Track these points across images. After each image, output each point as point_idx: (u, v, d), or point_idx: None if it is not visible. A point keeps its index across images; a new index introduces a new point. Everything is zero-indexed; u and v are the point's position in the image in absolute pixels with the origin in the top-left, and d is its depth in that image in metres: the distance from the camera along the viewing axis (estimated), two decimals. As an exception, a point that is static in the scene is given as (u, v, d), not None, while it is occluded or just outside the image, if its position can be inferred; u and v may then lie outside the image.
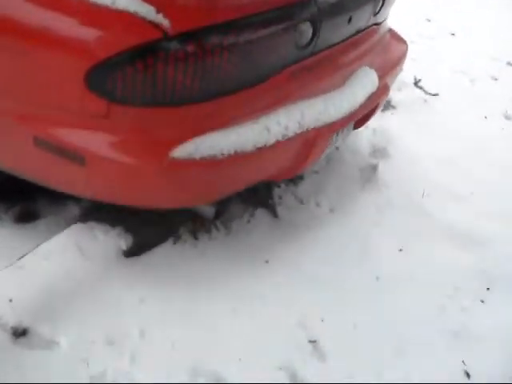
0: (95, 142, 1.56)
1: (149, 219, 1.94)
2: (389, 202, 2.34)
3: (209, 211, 2.01)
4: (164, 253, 1.94)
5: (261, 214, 2.21)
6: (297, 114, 1.77)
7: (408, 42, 2.53)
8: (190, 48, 1.45)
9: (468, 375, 1.69)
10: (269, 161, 1.76)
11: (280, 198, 2.30)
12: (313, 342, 1.71)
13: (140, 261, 1.88)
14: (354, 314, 1.81)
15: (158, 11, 1.42)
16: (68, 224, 2.06)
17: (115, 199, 1.68)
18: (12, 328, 1.56)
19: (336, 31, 1.88)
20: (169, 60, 1.44)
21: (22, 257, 1.79)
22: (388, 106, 3.09)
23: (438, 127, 2.97)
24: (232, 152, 1.61)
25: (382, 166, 2.53)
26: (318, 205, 2.30)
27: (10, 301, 1.62)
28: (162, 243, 1.97)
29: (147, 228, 1.95)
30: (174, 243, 2.00)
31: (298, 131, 1.76)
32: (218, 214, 2.04)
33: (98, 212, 1.96)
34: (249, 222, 2.16)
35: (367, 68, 2.10)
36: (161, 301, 1.73)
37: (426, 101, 3.22)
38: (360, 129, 2.60)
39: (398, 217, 2.26)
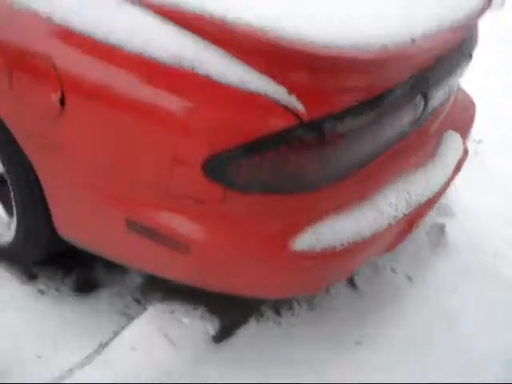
0: (205, 230, 1.43)
1: (232, 297, 1.80)
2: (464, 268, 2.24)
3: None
4: (249, 334, 1.80)
5: (339, 285, 2.09)
6: (404, 192, 1.66)
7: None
8: (324, 135, 1.33)
9: None
10: (379, 244, 1.64)
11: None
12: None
13: (229, 345, 1.74)
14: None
15: (290, 93, 1.29)
16: (132, 295, 1.92)
17: (222, 288, 1.54)
18: None
19: (438, 101, 1.79)
20: (302, 148, 1.31)
21: (104, 346, 1.63)
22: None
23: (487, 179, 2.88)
24: (351, 241, 1.48)
25: (450, 227, 2.43)
26: (393, 271, 2.19)
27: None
28: (247, 323, 1.83)
29: (232, 307, 1.81)
30: (258, 321, 1.86)
31: (407, 211, 1.65)
32: None
33: (176, 290, 1.81)
34: (329, 293, 2.03)
35: (452, 132, 2.01)
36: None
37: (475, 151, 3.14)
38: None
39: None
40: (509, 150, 3.17)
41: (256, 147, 1.29)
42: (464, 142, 2.09)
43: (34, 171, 1.61)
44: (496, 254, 2.34)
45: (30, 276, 1.95)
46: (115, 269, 1.97)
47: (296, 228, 1.43)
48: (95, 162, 1.48)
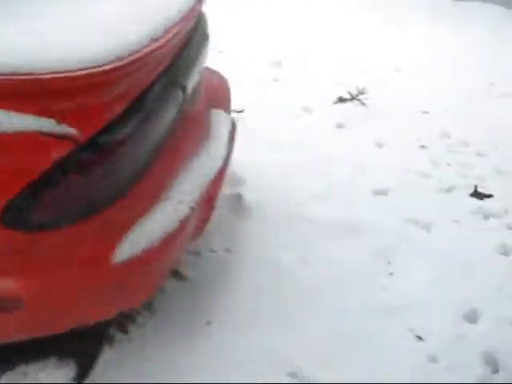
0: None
1: (79, 335, 1.80)
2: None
3: None
4: (108, 362, 1.82)
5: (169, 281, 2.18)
6: (194, 176, 1.82)
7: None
8: (103, 149, 1.41)
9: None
10: (190, 229, 1.78)
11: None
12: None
13: (94, 379, 1.75)
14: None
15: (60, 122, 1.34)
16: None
17: (68, 325, 1.54)
18: None
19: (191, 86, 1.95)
20: (89, 167, 1.38)
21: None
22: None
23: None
24: (164, 235, 1.59)
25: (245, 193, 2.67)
26: (212, 251, 2.36)
27: None
28: (101, 353, 1.84)
29: (80, 344, 1.80)
30: (112, 347, 1.88)
31: (202, 191, 1.81)
32: None
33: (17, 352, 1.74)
34: (163, 293, 2.12)
35: (216, 110, 2.22)
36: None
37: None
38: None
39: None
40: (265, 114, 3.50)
41: (46, 182, 1.32)
42: (229, 115, 2.30)
43: None
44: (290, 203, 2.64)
45: None
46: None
47: (111, 243, 1.49)
48: None
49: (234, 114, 2.96)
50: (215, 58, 2.55)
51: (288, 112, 3.58)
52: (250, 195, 2.68)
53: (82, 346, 1.78)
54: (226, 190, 2.57)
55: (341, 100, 3.80)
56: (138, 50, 1.43)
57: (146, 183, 1.62)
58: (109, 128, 1.42)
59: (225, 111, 2.28)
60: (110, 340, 1.90)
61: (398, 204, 2.76)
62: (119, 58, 1.38)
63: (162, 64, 1.66)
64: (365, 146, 3.27)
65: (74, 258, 1.44)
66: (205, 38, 2.11)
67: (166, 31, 1.57)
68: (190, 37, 1.93)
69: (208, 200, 1.88)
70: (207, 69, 2.54)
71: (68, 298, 1.48)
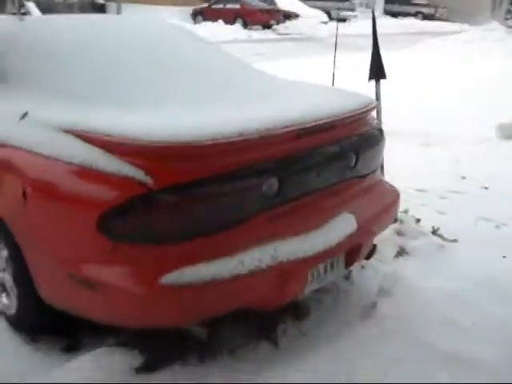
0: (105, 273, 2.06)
1: (159, 344, 2.33)
2: (383, 334, 2.56)
3: (201, 333, 2.35)
4: (170, 373, 2.29)
5: (264, 345, 2.52)
6: (270, 249, 2.19)
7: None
8: (173, 199, 1.97)
9: None
10: (245, 288, 2.14)
11: (284, 331, 2.61)
12: None
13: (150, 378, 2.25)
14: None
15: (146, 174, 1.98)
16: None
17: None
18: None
19: (304, 184, 2.34)
20: (154, 208, 1.96)
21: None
22: (402, 252, 3.39)
23: (449, 268, 3.20)
24: (209, 279, 2.02)
25: (382, 303, 2.78)
26: (317, 336, 2.58)
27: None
28: (171, 365, 2.32)
29: (157, 350, 2.33)
30: (182, 366, 2.35)
31: (271, 263, 2.16)
32: (211, 338, 2.36)
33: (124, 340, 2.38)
34: (253, 350, 2.47)
35: (345, 213, 2.50)
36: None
37: (442, 246, 3.48)
38: (366, 272, 2.96)
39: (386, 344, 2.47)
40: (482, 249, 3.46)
41: (124, 209, 1.97)
42: (364, 225, 2.55)
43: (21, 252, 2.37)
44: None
45: (32, 339, 2.60)
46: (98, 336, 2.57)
47: (168, 268, 2.01)
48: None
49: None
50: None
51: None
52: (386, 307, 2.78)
53: (159, 353, 2.31)
54: (368, 298, 2.78)
55: None
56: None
57: (215, 239, 2.10)
58: (181, 187, 1.98)
59: (363, 221, 2.54)
60: (184, 361, 2.36)
61: None
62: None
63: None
64: None
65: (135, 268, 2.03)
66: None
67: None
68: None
69: (282, 275, 2.20)
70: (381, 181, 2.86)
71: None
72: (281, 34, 20.74)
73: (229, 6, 22.21)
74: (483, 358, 2.40)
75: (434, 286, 3.00)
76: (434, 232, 3.64)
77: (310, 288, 2.43)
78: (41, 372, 2.26)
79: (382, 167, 3.85)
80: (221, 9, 22.20)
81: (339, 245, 2.41)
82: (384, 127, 3.01)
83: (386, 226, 2.95)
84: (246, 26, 21.59)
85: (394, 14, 29.82)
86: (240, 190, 2.11)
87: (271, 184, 2.21)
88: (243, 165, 2.13)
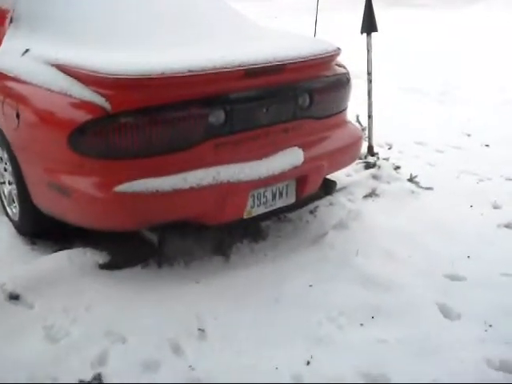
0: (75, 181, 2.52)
1: (126, 248, 2.79)
2: (324, 258, 2.92)
3: (153, 238, 2.76)
4: (131, 272, 2.76)
5: (217, 258, 2.94)
6: (213, 171, 2.57)
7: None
8: (126, 122, 2.38)
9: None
10: (186, 202, 2.54)
11: (239, 249, 3.01)
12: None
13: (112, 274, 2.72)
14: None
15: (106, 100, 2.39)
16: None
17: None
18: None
19: (251, 118, 2.68)
20: (110, 129, 2.38)
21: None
22: (372, 194, 3.68)
23: (411, 211, 3.47)
24: (154, 190, 2.44)
25: (334, 234, 3.12)
26: (265, 255, 2.97)
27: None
28: (133, 266, 2.79)
29: (122, 252, 2.79)
30: (142, 268, 2.81)
31: (212, 183, 2.54)
32: (160, 244, 2.78)
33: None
34: (206, 262, 2.90)
35: (294, 148, 2.83)
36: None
37: (413, 192, 3.73)
38: (333, 209, 3.29)
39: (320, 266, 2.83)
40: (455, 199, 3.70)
41: (87, 128, 2.40)
42: (314, 160, 2.88)
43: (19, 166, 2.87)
44: (357, 252, 2.97)
45: (31, 242, 3.13)
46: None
47: (121, 180, 2.44)
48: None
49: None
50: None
51: None
52: (336, 237, 3.12)
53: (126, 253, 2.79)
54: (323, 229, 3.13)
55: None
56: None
57: (165, 159, 2.50)
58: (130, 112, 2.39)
59: (312, 156, 2.88)
60: (146, 265, 2.82)
61: None
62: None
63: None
64: None
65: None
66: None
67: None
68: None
69: (223, 194, 2.58)
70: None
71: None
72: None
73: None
74: (401, 282, 2.72)
75: (389, 224, 3.30)
76: (411, 179, 3.89)
77: (256, 211, 2.79)
78: (25, 262, 2.76)
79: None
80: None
81: (283, 174, 2.75)
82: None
83: (343, 165, 3.25)
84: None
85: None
86: (186, 117, 2.49)
87: (218, 115, 2.57)
88: (191, 97, 2.50)
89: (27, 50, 2.89)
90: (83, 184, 2.50)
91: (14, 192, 3.08)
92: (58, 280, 2.63)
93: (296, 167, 2.80)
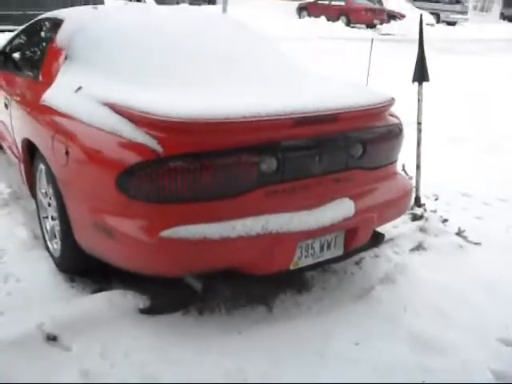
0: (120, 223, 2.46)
1: (168, 293, 2.72)
2: (371, 314, 2.79)
3: (197, 285, 2.68)
4: (171, 319, 2.67)
5: (260, 309, 2.83)
6: (262, 220, 2.49)
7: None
8: (177, 166, 2.33)
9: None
10: (233, 251, 2.46)
11: (283, 301, 2.90)
12: None
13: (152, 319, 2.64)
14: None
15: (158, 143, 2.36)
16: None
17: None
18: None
19: (304, 167, 2.61)
20: (161, 173, 2.33)
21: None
22: (419, 247, 3.55)
23: (459, 267, 3.33)
24: (202, 237, 2.37)
25: (380, 288, 2.99)
26: (309, 308, 2.85)
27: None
28: (172, 312, 2.70)
29: (164, 299, 2.72)
30: (183, 315, 2.72)
31: (261, 233, 2.46)
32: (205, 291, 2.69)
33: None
34: (248, 311, 2.79)
35: (345, 199, 2.74)
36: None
37: (462, 247, 3.59)
38: (379, 261, 3.18)
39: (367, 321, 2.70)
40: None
41: (137, 171, 2.36)
42: (365, 212, 2.78)
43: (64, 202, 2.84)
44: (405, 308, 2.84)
45: (71, 280, 3.09)
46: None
47: (167, 225, 2.38)
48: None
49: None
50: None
51: None
52: (385, 292, 2.99)
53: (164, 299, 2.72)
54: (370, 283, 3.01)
55: None
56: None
57: (212, 206, 2.43)
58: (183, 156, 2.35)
59: (363, 208, 2.78)
60: (186, 312, 2.73)
61: None
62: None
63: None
64: None
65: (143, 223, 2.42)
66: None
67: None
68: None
69: (271, 244, 2.50)
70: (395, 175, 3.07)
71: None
72: (383, 35, 20.47)
73: (334, 2, 22.30)
74: (452, 344, 2.57)
75: (438, 280, 3.17)
76: (459, 233, 3.75)
77: (304, 262, 2.69)
78: (64, 301, 2.70)
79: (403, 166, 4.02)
80: (326, 5, 22.34)
81: (333, 225, 2.65)
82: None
83: (393, 218, 3.14)
84: (349, 23, 21.59)
85: (512, 19, 28.38)
86: (238, 164, 2.42)
87: (269, 163, 2.50)
88: (243, 143, 2.44)
89: (80, 88, 2.90)
90: (129, 226, 2.45)
91: (57, 228, 3.06)
92: (98, 322, 2.56)
93: (347, 219, 2.71)
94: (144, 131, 2.41)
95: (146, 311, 2.67)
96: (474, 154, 5.94)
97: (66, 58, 3.22)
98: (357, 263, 3.29)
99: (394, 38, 20.22)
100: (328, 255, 2.80)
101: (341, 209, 2.71)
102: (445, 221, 3.86)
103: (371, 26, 21.81)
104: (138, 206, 2.42)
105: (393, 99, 3.00)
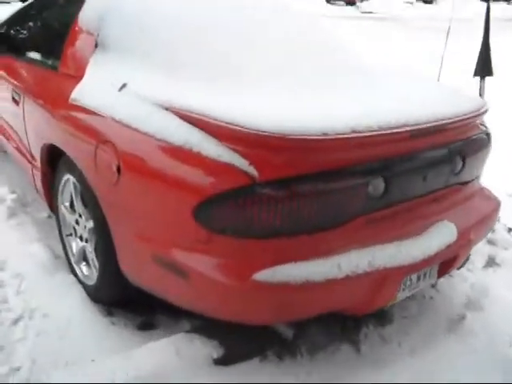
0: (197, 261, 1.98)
1: (241, 337, 2.26)
2: (469, 350, 2.41)
3: (288, 333, 2.26)
4: (249, 368, 2.22)
5: (345, 348, 2.41)
6: (368, 254, 2.05)
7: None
8: (276, 194, 1.85)
9: None
10: (339, 293, 2.03)
11: (366, 336, 2.49)
12: None
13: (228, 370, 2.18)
14: None
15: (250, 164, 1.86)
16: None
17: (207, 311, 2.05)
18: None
19: (410, 187, 2.18)
20: (257, 201, 1.85)
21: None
22: (492, 263, 3.19)
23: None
24: (304, 280, 1.92)
25: (471, 317, 2.62)
26: (399, 345, 2.45)
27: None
28: (250, 359, 2.25)
29: (238, 343, 2.26)
30: (260, 361, 2.27)
31: (367, 270, 2.03)
32: (296, 337, 2.27)
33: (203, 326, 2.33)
34: (333, 353, 2.37)
35: (446, 221, 2.33)
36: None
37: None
38: (454, 281, 2.80)
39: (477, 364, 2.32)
40: None
41: (225, 199, 1.87)
42: (464, 234, 2.37)
43: (107, 225, 2.32)
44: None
45: (108, 313, 2.59)
46: (173, 316, 2.52)
47: (261, 265, 1.92)
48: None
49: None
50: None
51: None
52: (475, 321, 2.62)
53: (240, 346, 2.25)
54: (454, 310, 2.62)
55: None
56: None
57: (313, 239, 1.98)
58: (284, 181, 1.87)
59: (463, 230, 2.36)
60: (263, 358, 2.29)
61: None
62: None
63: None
64: None
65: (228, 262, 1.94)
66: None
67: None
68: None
69: (377, 281, 2.07)
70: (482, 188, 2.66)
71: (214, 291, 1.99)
72: (364, 13, 19.96)
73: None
74: None
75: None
76: (529, 244, 3.41)
77: (401, 296, 2.29)
78: (121, 351, 2.22)
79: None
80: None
81: (437, 254, 2.25)
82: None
83: (484, 236, 2.76)
84: (328, 0, 21.03)
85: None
86: (346, 188, 1.98)
87: (377, 185, 2.06)
88: (351, 162, 1.99)
89: (124, 85, 2.36)
90: (209, 266, 1.97)
91: (90, 252, 2.56)
92: (164, 379, 2.10)
93: (450, 245, 2.30)
94: (229, 148, 1.92)
95: (221, 361, 2.21)
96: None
97: (96, 44, 2.65)
98: (432, 285, 2.90)
99: (376, 15, 19.74)
100: (423, 285, 2.40)
101: (444, 234, 2.30)
102: (510, 230, 3.51)
103: (351, 2, 21.30)
104: (222, 242, 1.95)
105: (486, 103, 2.59)
